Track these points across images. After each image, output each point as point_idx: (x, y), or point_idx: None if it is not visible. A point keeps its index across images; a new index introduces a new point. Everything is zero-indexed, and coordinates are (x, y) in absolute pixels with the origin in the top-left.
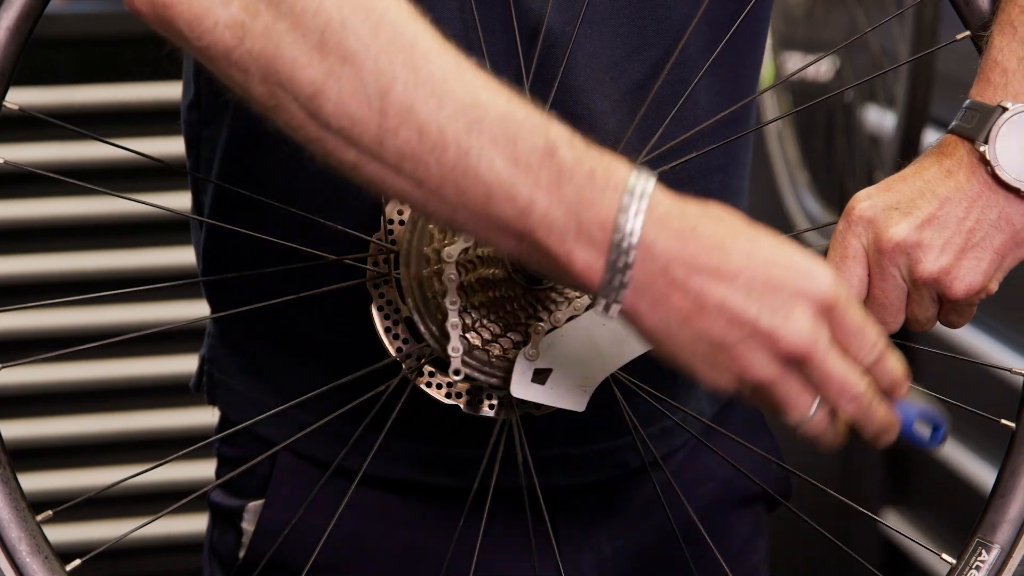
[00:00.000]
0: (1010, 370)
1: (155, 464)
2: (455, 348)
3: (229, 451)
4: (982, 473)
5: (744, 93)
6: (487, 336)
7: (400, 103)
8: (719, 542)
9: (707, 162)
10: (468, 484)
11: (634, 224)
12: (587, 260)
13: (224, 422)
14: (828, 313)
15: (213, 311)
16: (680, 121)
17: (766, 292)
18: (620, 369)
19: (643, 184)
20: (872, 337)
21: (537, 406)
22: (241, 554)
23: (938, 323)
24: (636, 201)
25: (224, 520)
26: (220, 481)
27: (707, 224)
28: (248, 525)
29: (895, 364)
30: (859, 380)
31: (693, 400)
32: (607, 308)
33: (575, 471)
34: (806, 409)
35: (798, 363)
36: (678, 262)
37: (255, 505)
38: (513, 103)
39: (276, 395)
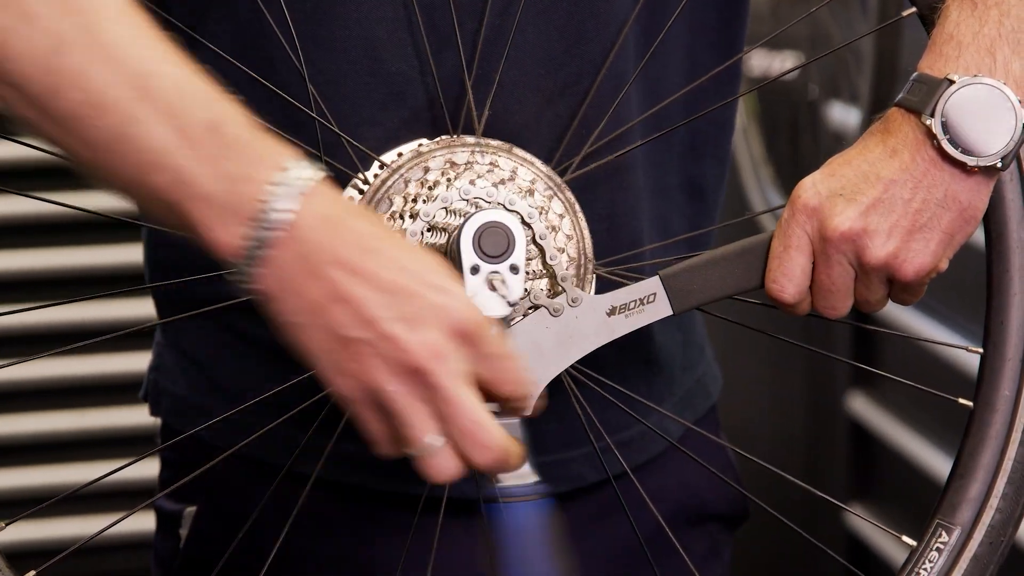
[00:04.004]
0: (967, 348)
1: (114, 469)
2: None
3: (170, 454)
4: (944, 466)
5: (718, 85)
6: None
7: (71, 65)
8: (668, 563)
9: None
10: (413, 491)
11: (285, 203)
12: (232, 233)
13: (167, 426)
14: (464, 339)
15: (161, 315)
16: (614, 118)
17: (402, 300)
18: (585, 376)
19: (306, 171)
20: (514, 371)
21: None
22: (177, 560)
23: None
24: (293, 182)
25: (165, 525)
26: (166, 492)
27: (362, 223)
28: (185, 531)
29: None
30: (489, 423)
31: (654, 415)
32: (241, 283)
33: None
34: (423, 434)
35: (420, 379)
36: (322, 250)
37: (191, 511)
38: (189, 76)
39: (220, 397)
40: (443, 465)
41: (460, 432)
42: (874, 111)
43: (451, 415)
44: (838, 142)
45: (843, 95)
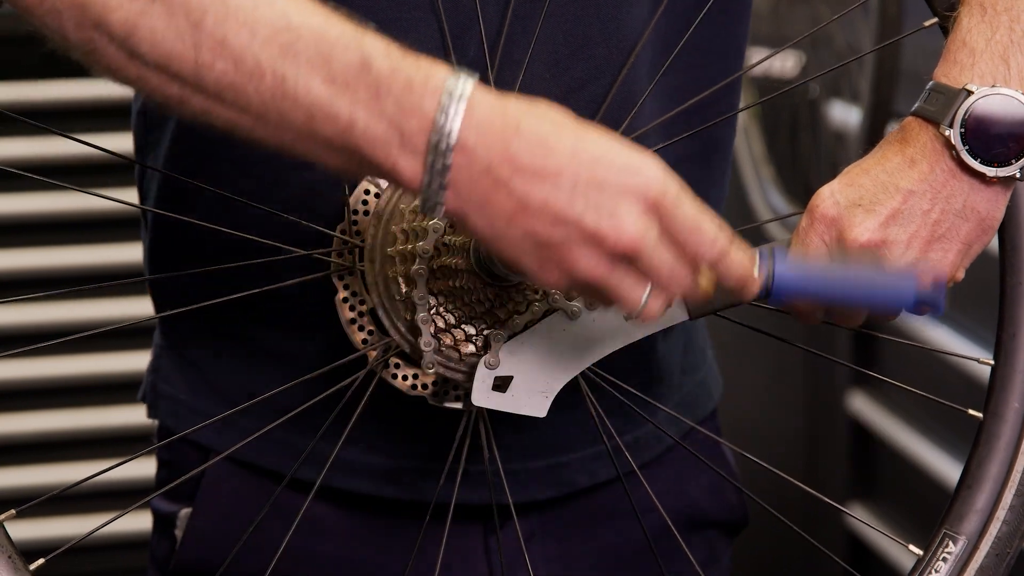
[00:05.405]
0: (978, 360)
1: (115, 464)
2: (427, 343)
3: (167, 455)
4: (945, 467)
5: (724, 91)
6: (441, 325)
7: (213, 36)
8: (663, 569)
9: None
10: (409, 497)
11: (452, 126)
12: (410, 167)
13: (164, 428)
14: (657, 209)
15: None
16: (625, 127)
17: (591, 190)
18: (599, 378)
19: (462, 86)
20: (710, 232)
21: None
22: (173, 560)
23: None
24: (454, 103)
25: (160, 525)
26: (161, 491)
27: (531, 121)
28: (180, 532)
29: (739, 259)
30: (687, 272)
31: (653, 419)
32: (432, 210)
33: (520, 488)
34: (638, 301)
35: (626, 259)
36: (500, 162)
37: (186, 513)
38: (327, 21)
39: (218, 401)
40: (655, 307)
41: (671, 288)
42: (875, 110)
43: (661, 283)
44: (838, 141)
45: (843, 94)
